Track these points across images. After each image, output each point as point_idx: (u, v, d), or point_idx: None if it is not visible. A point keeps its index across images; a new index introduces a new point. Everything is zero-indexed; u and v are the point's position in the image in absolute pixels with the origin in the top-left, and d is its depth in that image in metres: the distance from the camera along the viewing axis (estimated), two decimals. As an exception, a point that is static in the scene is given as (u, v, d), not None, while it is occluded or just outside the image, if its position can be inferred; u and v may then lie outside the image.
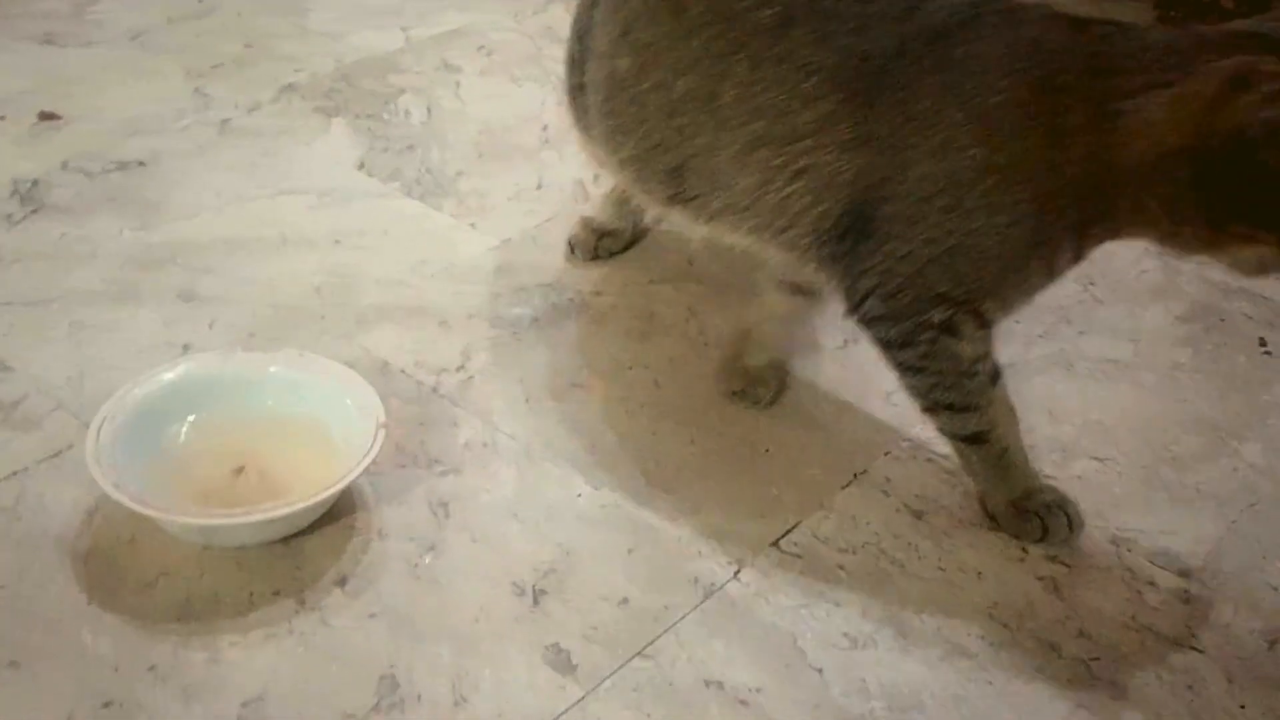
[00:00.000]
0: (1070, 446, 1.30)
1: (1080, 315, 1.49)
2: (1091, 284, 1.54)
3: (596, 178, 1.72)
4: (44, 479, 1.19)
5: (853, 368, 1.39)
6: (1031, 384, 1.38)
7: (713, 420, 1.31)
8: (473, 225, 1.61)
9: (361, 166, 1.72)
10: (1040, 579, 1.15)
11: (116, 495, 1.06)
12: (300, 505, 1.09)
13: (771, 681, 1.04)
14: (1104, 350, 1.44)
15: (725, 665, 1.06)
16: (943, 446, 1.28)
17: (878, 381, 1.37)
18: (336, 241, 1.57)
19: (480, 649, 1.06)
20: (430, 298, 1.48)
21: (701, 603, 1.11)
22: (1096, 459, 1.29)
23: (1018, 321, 1.46)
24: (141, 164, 1.71)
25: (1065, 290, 1.53)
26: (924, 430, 1.30)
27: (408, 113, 1.85)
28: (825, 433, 1.30)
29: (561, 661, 1.05)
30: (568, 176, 1.72)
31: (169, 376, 1.20)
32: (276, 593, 1.10)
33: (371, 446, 1.13)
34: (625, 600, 1.11)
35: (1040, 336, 1.46)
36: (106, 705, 1.00)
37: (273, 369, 1.23)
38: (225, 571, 1.11)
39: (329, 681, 1.02)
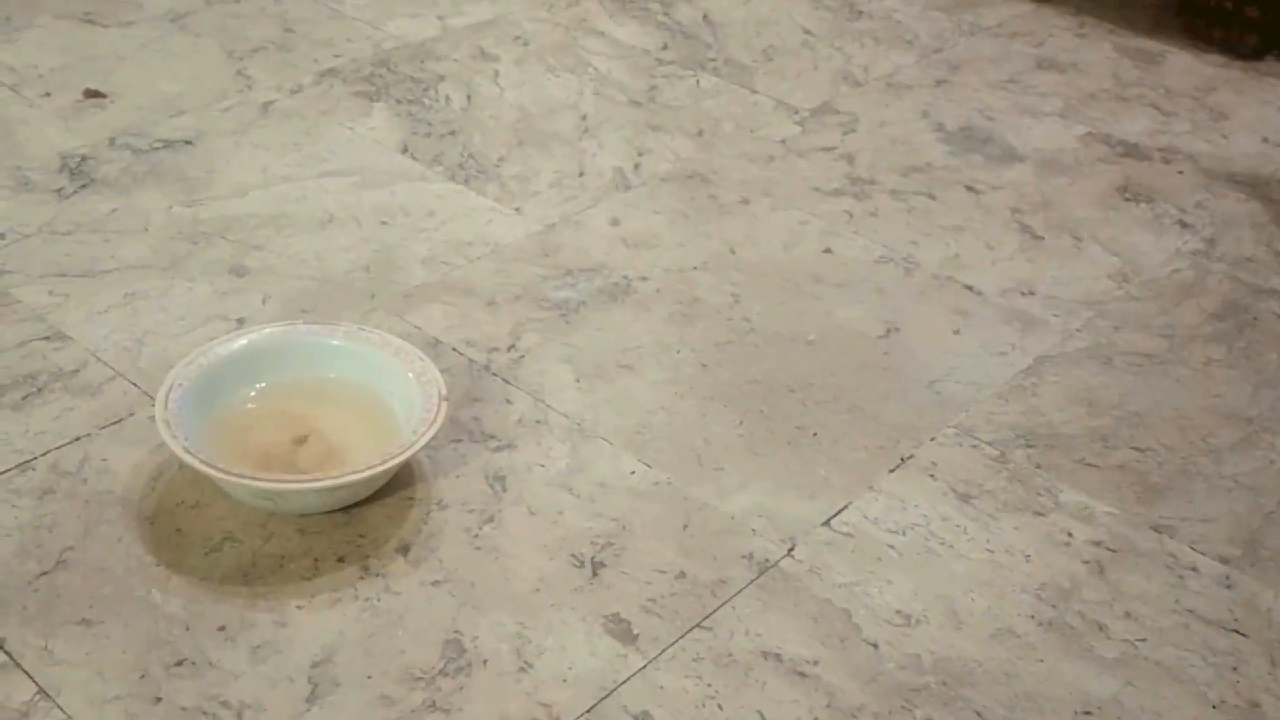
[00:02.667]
0: (1110, 437, 1.33)
1: (1115, 311, 1.52)
2: (1125, 281, 1.57)
3: (637, 166, 1.75)
4: (107, 444, 1.21)
5: (896, 355, 1.42)
6: (1070, 376, 1.40)
7: (759, 404, 1.34)
8: (516, 210, 1.63)
9: (405, 150, 1.74)
10: (1085, 563, 1.18)
11: (187, 458, 1.08)
12: (368, 472, 1.11)
13: (828, 655, 1.07)
14: (1139, 345, 1.47)
15: (782, 638, 1.08)
16: (989, 433, 1.30)
17: (922, 369, 1.39)
18: (383, 222, 1.59)
19: (542, 617, 1.08)
20: (477, 279, 1.50)
21: (756, 578, 1.13)
22: (1136, 449, 1.31)
23: (1055, 315, 1.49)
24: (187, 142, 1.73)
25: (1101, 287, 1.56)
26: (968, 417, 1.33)
27: (448, 99, 1.87)
28: (871, 418, 1.33)
29: (622, 631, 1.07)
30: (608, 165, 1.74)
31: (235, 346, 1.22)
32: (341, 559, 1.12)
33: (435, 418, 1.15)
34: (682, 574, 1.13)
35: (1077, 330, 1.48)
36: (178, 663, 1.02)
37: (335, 341, 1.25)
38: (289, 538, 1.13)
39: (395, 645, 1.04)
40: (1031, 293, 1.55)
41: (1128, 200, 1.74)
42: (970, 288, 1.55)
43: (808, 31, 2.12)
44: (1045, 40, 2.20)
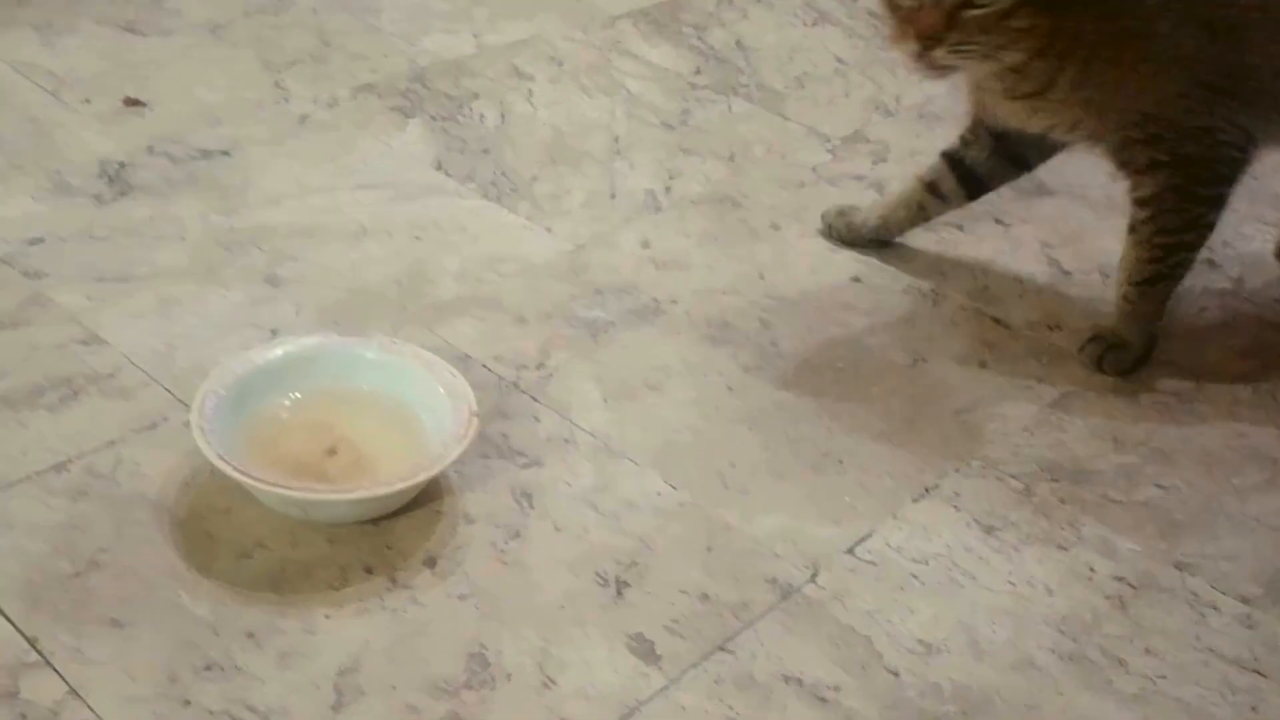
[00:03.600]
0: (1135, 473, 1.33)
1: (1143, 347, 1.52)
2: (1154, 318, 1.57)
3: (668, 189, 1.76)
4: (140, 448, 1.23)
5: (923, 385, 1.42)
6: (1097, 412, 1.42)
7: (786, 428, 1.35)
8: (548, 228, 1.65)
9: (439, 166, 1.76)
10: (1107, 597, 1.18)
11: (220, 465, 1.10)
12: (399, 485, 1.12)
13: (849, 680, 1.07)
14: (1166, 382, 1.47)
15: (804, 663, 1.09)
16: (1014, 465, 1.31)
17: (949, 399, 1.40)
18: (416, 237, 1.60)
19: (566, 634, 1.09)
20: (508, 295, 1.51)
21: (779, 602, 1.14)
22: (1160, 486, 1.32)
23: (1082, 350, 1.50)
24: (224, 152, 1.75)
25: (1129, 322, 1.56)
26: (994, 449, 1.33)
27: (482, 116, 1.89)
28: (896, 447, 1.33)
29: (645, 650, 1.08)
30: (639, 186, 1.75)
31: (269, 355, 1.24)
32: (368, 570, 1.13)
33: (466, 433, 1.16)
34: (705, 595, 1.14)
35: (1104, 366, 1.48)
36: (208, 668, 1.03)
37: (368, 353, 1.26)
38: (317, 547, 1.14)
39: (421, 656, 1.05)
40: (1059, 327, 1.56)
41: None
42: (998, 320, 1.56)
43: (840, 60, 2.13)
44: (1076, 75, 2.21)
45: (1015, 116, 1.41)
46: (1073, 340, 1.53)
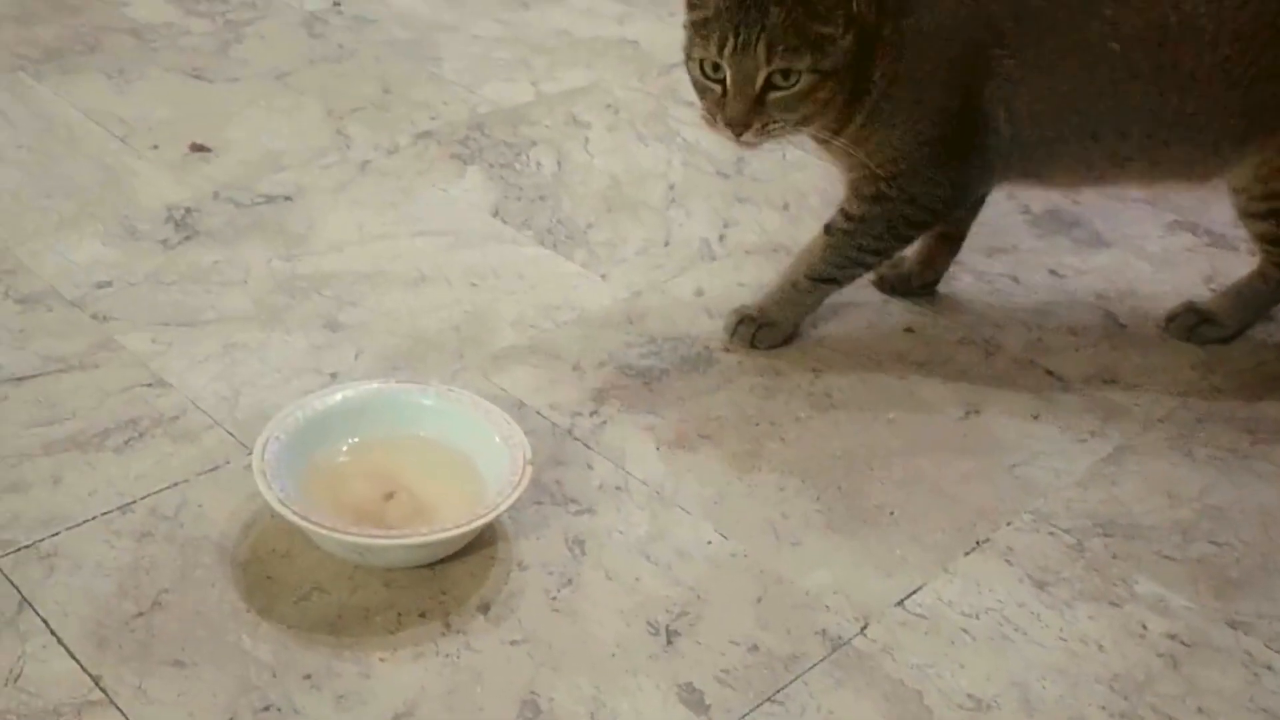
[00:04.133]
0: (1189, 530, 1.33)
1: (1199, 403, 1.52)
2: (1210, 372, 1.57)
3: (722, 238, 1.78)
4: (203, 490, 1.26)
5: (976, 437, 1.43)
6: (1151, 467, 1.41)
7: (838, 480, 1.35)
8: (603, 276, 1.67)
9: (496, 213, 1.79)
10: (1160, 655, 1.18)
11: (281, 509, 1.12)
12: (455, 531, 1.14)
13: (899, 735, 1.08)
14: (1222, 438, 1.47)
15: (853, 717, 1.09)
16: (1067, 520, 1.31)
17: (1002, 451, 1.40)
18: (473, 284, 1.63)
19: (617, 682, 1.10)
20: (563, 343, 1.53)
21: (830, 654, 1.15)
22: (1215, 543, 1.31)
23: (1137, 404, 1.50)
24: (287, 198, 1.78)
25: (1184, 377, 1.56)
26: (1046, 503, 1.33)
27: (539, 164, 1.92)
28: (949, 500, 1.34)
29: (695, 700, 1.09)
30: (695, 234, 1.77)
31: (329, 401, 1.26)
32: (423, 614, 1.14)
33: (520, 480, 1.18)
34: (755, 646, 1.15)
35: (1160, 421, 1.48)
36: (266, 709, 1.05)
37: (426, 401, 1.28)
38: (374, 590, 1.16)
39: (474, 702, 1.07)
40: (1114, 381, 1.55)
41: (1213, 291, 1.74)
42: (1052, 372, 1.56)
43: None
44: (1133, 126, 2.20)
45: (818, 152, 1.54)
46: (1129, 395, 1.53)
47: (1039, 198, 1.92)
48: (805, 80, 1.33)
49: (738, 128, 1.34)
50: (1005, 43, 1.41)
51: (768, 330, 1.54)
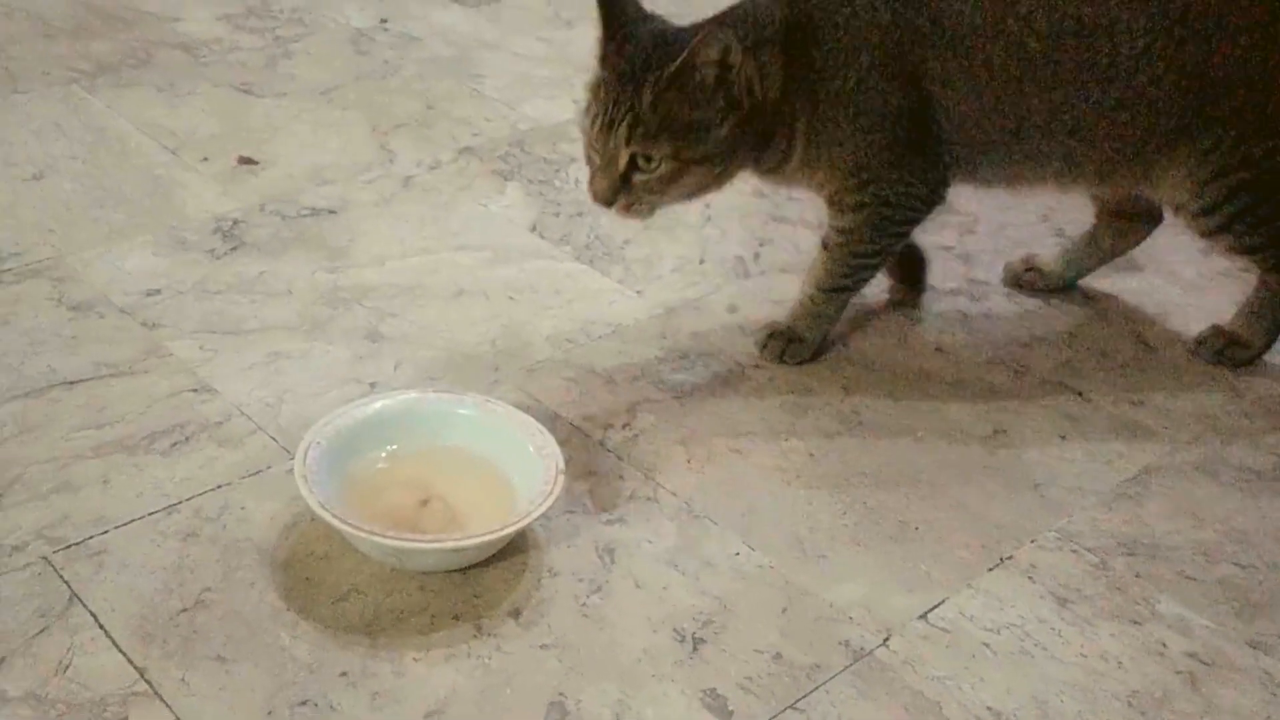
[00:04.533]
0: (1212, 551, 1.34)
1: (1226, 427, 1.53)
2: (1239, 397, 1.58)
3: (757, 256, 1.81)
4: (246, 493, 1.30)
5: (1002, 456, 1.45)
6: (1176, 488, 1.42)
7: (865, 495, 1.38)
8: (638, 292, 1.70)
9: (534, 229, 1.82)
10: (1179, 673, 1.19)
11: (321, 513, 1.16)
12: (488, 537, 1.17)
13: (918, 745, 1.10)
14: (1248, 461, 1.48)
15: (874, 725, 1.11)
16: (1091, 539, 1.33)
17: (1027, 471, 1.42)
18: (511, 298, 1.66)
19: (643, 687, 1.13)
20: (598, 357, 1.56)
21: (851, 665, 1.17)
22: (1238, 565, 1.33)
23: (1165, 427, 1.51)
24: (331, 211, 1.83)
25: (1213, 401, 1.57)
26: (1071, 522, 1.35)
27: (578, 181, 1.95)
28: (974, 517, 1.36)
29: (719, 706, 1.12)
30: (729, 252, 1.80)
31: (369, 410, 1.30)
32: (456, 617, 1.18)
33: (552, 490, 1.21)
34: (779, 655, 1.17)
35: (1187, 444, 1.50)
36: (303, 704, 1.08)
37: (462, 410, 1.32)
38: (409, 593, 1.20)
39: (503, 703, 1.10)
40: (1142, 403, 1.57)
41: (1243, 316, 1.75)
42: (1080, 394, 1.58)
43: (931, 132, 2.17)
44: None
45: (770, 186, 1.60)
46: (1156, 417, 1.54)
47: (1074, 221, 1.94)
48: (667, 166, 1.36)
49: (601, 203, 1.39)
50: (928, 44, 1.44)
51: (797, 345, 1.57)
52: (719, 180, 1.43)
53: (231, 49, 2.27)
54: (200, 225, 1.76)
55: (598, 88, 1.38)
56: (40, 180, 1.83)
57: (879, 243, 1.52)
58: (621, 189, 1.37)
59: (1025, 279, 1.76)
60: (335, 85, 2.20)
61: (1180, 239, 1.94)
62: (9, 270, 1.61)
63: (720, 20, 1.40)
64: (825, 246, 1.54)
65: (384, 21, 2.45)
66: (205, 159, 1.93)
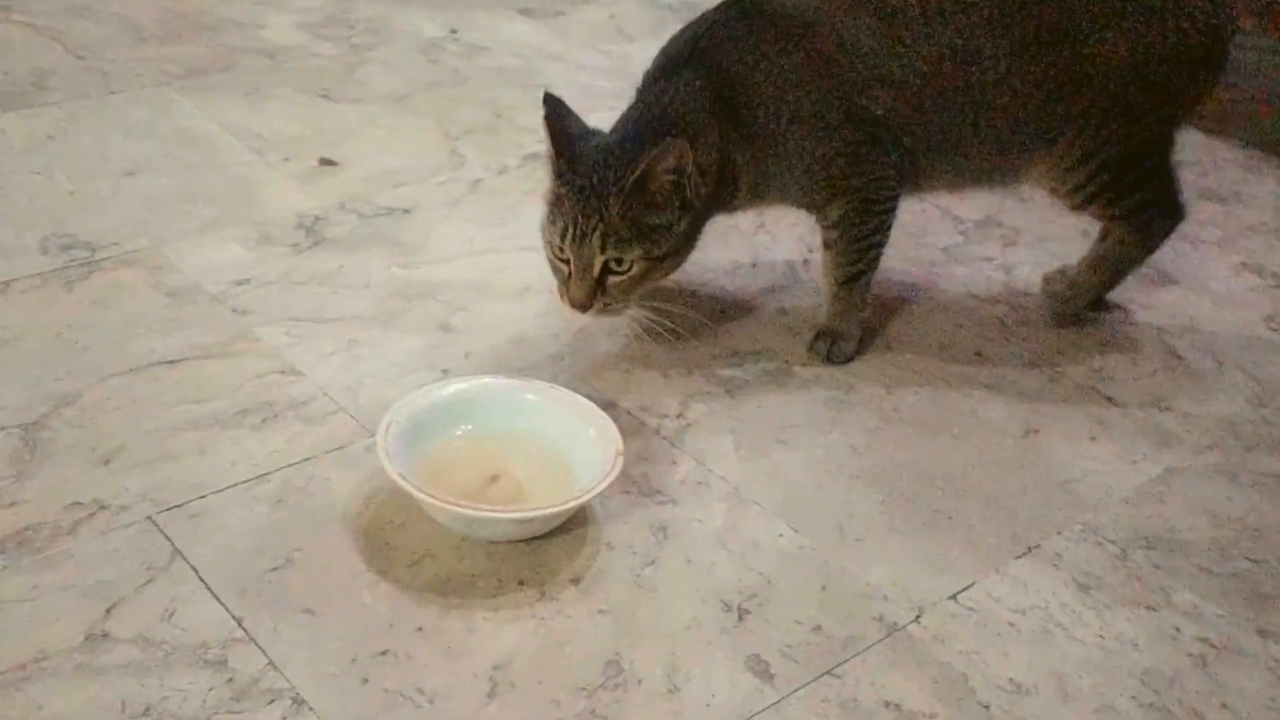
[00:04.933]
0: (1229, 547, 1.43)
1: (1249, 433, 1.62)
2: (1262, 405, 1.67)
3: (806, 261, 1.90)
4: (330, 466, 1.41)
5: (1033, 454, 1.54)
6: (1197, 489, 1.51)
7: (902, 486, 1.47)
8: (693, 293, 1.80)
9: (597, 231, 1.92)
10: (1190, 655, 1.28)
11: (401, 483, 1.27)
12: (552, 510, 1.28)
13: (943, 710, 1.20)
14: (1268, 466, 1.56)
15: (903, 692, 1.21)
16: (1113, 532, 1.42)
17: (1057, 469, 1.51)
18: (573, 295, 1.76)
19: (691, 650, 1.23)
20: (654, 352, 1.67)
21: (884, 638, 1.27)
22: (1252, 560, 1.41)
23: (1189, 431, 1.60)
24: (405, 211, 1.94)
25: (1236, 408, 1.66)
26: (1095, 516, 1.44)
27: (638, 188, 2.05)
28: (1004, 508, 1.45)
29: (761, 669, 1.22)
30: (780, 258, 1.90)
31: (443, 393, 1.41)
32: (521, 583, 1.29)
33: (611, 470, 1.32)
34: (818, 627, 1.27)
35: (1209, 447, 1.58)
36: (383, 653, 1.19)
37: (529, 396, 1.43)
38: (478, 560, 1.31)
39: (564, 660, 1.21)
40: (1169, 408, 1.66)
41: (1273, 330, 1.83)
42: (1111, 399, 1.67)
43: (977, 148, 2.25)
44: (1210, 171, 2.30)
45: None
46: (1182, 422, 1.63)
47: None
48: (639, 266, 1.48)
49: (579, 309, 1.48)
50: (842, 65, 1.54)
51: (841, 344, 1.67)
52: (685, 258, 1.55)
53: (311, 55, 2.40)
54: (283, 221, 1.88)
55: (558, 202, 1.48)
56: (134, 176, 1.95)
57: (871, 222, 1.61)
58: (598, 293, 1.48)
59: (1061, 293, 1.84)
60: (408, 93, 2.31)
61: (1213, 254, 2.02)
62: (109, 258, 1.74)
63: (652, 112, 1.50)
64: (827, 246, 1.64)
65: (454, 32, 2.58)
66: (287, 159, 2.05)
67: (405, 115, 2.23)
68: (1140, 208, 1.68)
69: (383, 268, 1.79)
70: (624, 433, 1.42)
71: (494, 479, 1.37)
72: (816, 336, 1.68)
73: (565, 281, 1.49)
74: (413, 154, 2.10)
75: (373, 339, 1.63)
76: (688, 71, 1.51)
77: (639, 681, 1.19)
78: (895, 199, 1.62)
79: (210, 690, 1.13)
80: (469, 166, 2.08)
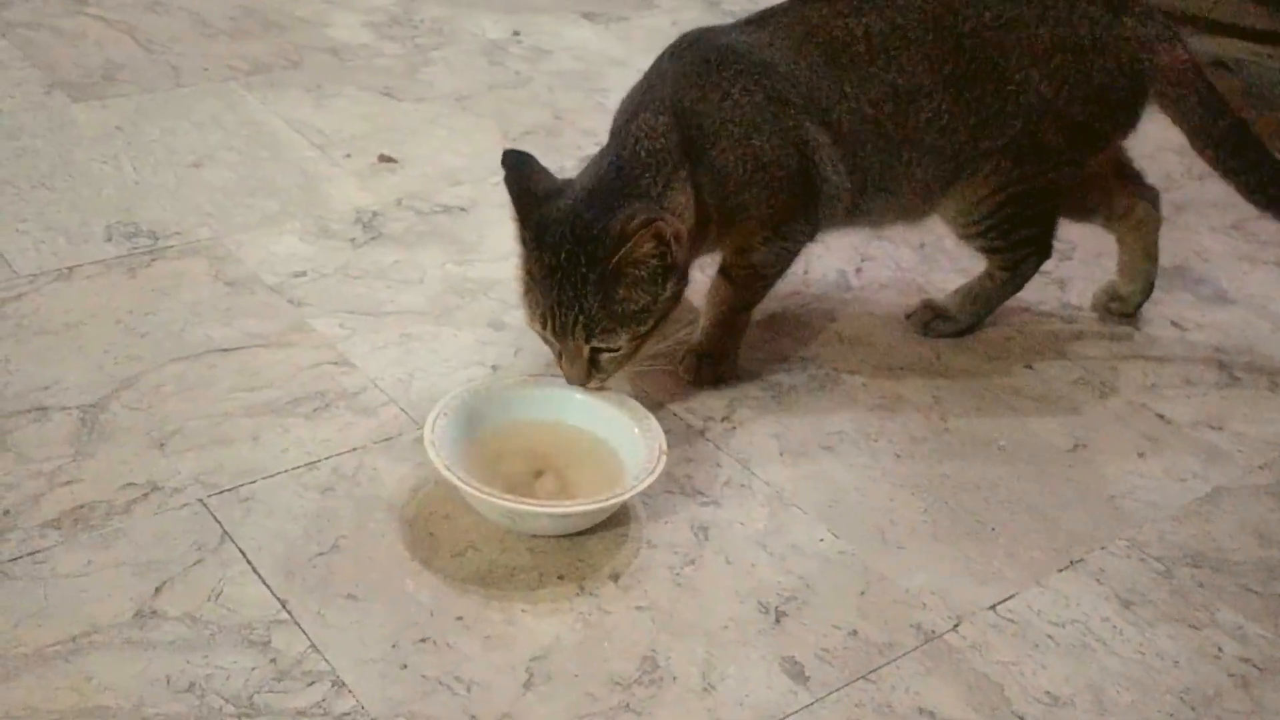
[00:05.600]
0: (1276, 568, 1.42)
1: (1301, 454, 1.60)
2: (1314, 427, 1.65)
3: (859, 270, 1.91)
4: (379, 456, 1.43)
5: (1081, 469, 1.53)
6: (1246, 509, 1.50)
7: (946, 496, 1.47)
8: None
9: (650, 235, 1.93)
10: (1231, 675, 1.27)
11: (447, 475, 1.29)
12: (594, 505, 1.29)
13: (978, 719, 1.19)
14: (1319, 487, 1.55)
15: (938, 700, 1.21)
16: (1158, 549, 1.41)
17: (1104, 484, 1.51)
18: (625, 296, 1.78)
19: (727, 650, 1.24)
20: (703, 355, 1.67)
21: (922, 645, 1.27)
22: (1300, 581, 1.40)
23: (1240, 451, 1.59)
24: (462, 209, 1.97)
25: (1289, 429, 1.64)
26: (1141, 533, 1.44)
27: (694, 193, 2.06)
28: (1049, 522, 1.45)
29: (796, 671, 1.22)
30: (832, 267, 1.91)
31: (492, 387, 1.43)
32: (561, 577, 1.30)
33: (655, 468, 1.33)
34: (855, 632, 1.28)
35: (1260, 468, 1.57)
36: (423, 640, 1.21)
37: (576, 394, 1.44)
38: (520, 554, 1.32)
39: (601, 653, 1.22)
40: (1221, 428, 1.64)
41: (1330, 354, 1.81)
42: (1162, 416, 1.66)
43: (1036, 162, 2.24)
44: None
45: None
46: (1234, 441, 1.62)
47: (1168, 253, 2.00)
48: (629, 345, 1.39)
49: (579, 385, 1.41)
50: (795, 106, 1.52)
51: (722, 365, 1.63)
52: (676, 308, 1.46)
53: (375, 55, 2.43)
54: (343, 216, 1.91)
55: (531, 284, 1.38)
56: (200, 168, 1.99)
57: (782, 265, 1.60)
58: (593, 372, 1.41)
59: (1111, 307, 1.84)
60: (469, 93, 2.34)
61: (1272, 275, 2.00)
62: (172, 247, 1.78)
63: (621, 160, 1.41)
64: (730, 278, 1.59)
65: (517, 34, 2.60)
66: (349, 156, 2.09)
67: (466, 115, 2.26)
68: (1023, 244, 1.69)
69: (438, 264, 1.81)
70: (670, 434, 1.43)
71: (539, 474, 1.38)
72: (699, 359, 1.62)
73: (556, 356, 1.43)
74: (472, 153, 2.12)
75: (425, 333, 1.66)
76: (655, 118, 1.45)
77: (674, 678, 1.20)
78: (804, 246, 1.62)
79: (253, 669, 1.16)
80: (527, 167, 2.09)
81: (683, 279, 1.44)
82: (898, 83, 1.55)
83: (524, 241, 1.40)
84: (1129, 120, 1.65)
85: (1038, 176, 1.62)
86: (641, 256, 1.35)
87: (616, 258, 1.33)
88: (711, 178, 1.48)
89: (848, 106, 1.54)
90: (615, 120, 1.52)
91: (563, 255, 1.35)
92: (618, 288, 1.36)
